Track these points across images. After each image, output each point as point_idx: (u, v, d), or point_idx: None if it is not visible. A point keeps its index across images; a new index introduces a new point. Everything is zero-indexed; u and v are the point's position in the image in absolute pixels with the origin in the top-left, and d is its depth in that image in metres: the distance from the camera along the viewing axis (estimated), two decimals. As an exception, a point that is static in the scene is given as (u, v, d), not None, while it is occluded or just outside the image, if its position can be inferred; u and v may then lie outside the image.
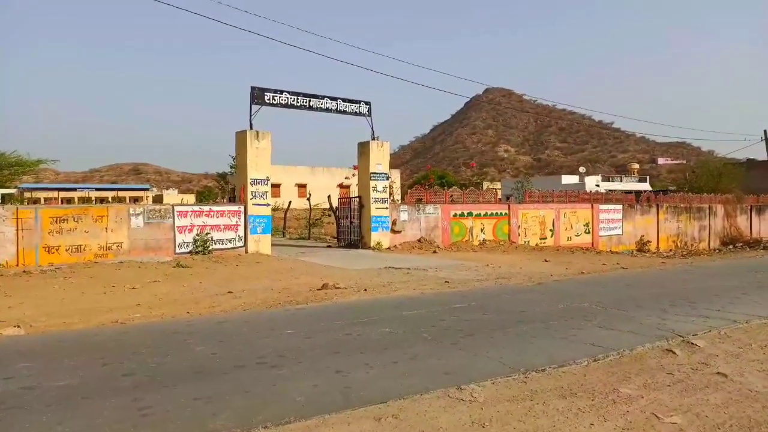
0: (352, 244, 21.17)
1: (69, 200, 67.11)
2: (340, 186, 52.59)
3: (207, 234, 16.76)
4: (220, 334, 6.77)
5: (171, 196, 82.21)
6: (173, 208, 16.61)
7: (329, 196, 25.35)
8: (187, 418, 4.01)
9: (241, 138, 17.84)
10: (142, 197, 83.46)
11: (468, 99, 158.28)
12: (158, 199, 74.65)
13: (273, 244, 22.82)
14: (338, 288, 10.43)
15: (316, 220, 33.85)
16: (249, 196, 17.57)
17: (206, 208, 17.19)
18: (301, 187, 54.89)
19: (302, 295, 9.81)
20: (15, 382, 4.87)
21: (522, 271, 14.77)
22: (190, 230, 16.60)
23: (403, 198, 25.87)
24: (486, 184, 57.37)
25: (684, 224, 34.37)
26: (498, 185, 65.37)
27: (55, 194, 77.27)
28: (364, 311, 8.17)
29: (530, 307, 8.55)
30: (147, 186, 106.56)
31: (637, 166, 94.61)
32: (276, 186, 56.41)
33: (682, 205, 34.29)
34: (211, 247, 16.77)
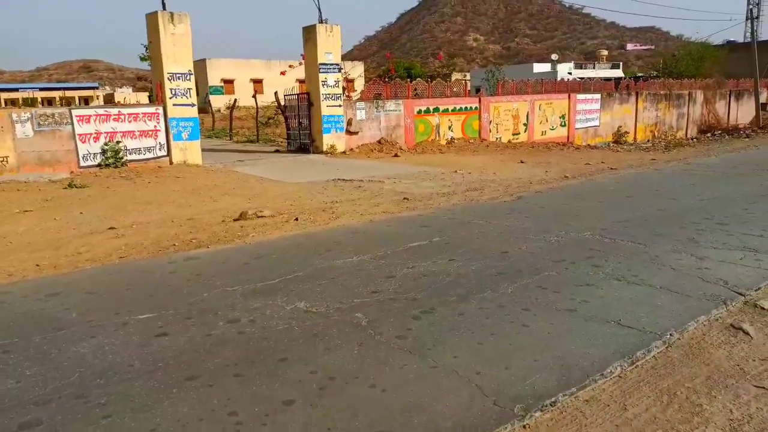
0: (302, 148, 18.39)
1: (13, 102, 61.54)
2: (299, 81, 48.30)
3: (118, 143, 13.78)
4: (37, 319, 4.29)
5: (124, 94, 76.38)
6: (70, 112, 13.44)
7: (275, 93, 22.07)
8: None
9: (152, 22, 14.33)
10: (92, 97, 77.41)
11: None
12: (109, 98, 69.11)
13: (213, 150, 19.94)
14: (261, 217, 7.93)
15: (269, 119, 30.60)
16: (168, 94, 14.40)
17: (114, 110, 14.04)
18: (257, 82, 50.60)
19: (209, 231, 7.30)
20: None
21: (496, 177, 12.43)
22: (96, 138, 13.57)
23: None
24: (455, 76, 53.67)
25: (662, 112, 32.34)
26: (468, 77, 61.73)
27: (-2, 95, 71.00)
28: (278, 261, 5.74)
29: (513, 243, 6.23)
30: (96, 84, 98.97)
31: (606, 52, 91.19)
32: (229, 82, 52.11)
33: (662, 93, 32.04)
34: (124, 158, 13.86)
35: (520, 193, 10.05)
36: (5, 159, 12.47)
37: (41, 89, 79.23)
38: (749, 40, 40.94)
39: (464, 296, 4.52)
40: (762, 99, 36.18)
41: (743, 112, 36.53)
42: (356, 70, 46.40)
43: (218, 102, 43.18)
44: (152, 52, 14.60)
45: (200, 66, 52.21)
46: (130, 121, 14.03)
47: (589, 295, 4.54)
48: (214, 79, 52.07)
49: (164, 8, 14.17)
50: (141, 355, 3.49)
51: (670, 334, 3.78)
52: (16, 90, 77.07)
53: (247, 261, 5.75)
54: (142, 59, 19.39)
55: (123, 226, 7.70)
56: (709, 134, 31.68)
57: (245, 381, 3.16)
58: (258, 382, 3.15)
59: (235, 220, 7.89)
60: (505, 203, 9.02)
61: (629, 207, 8.26)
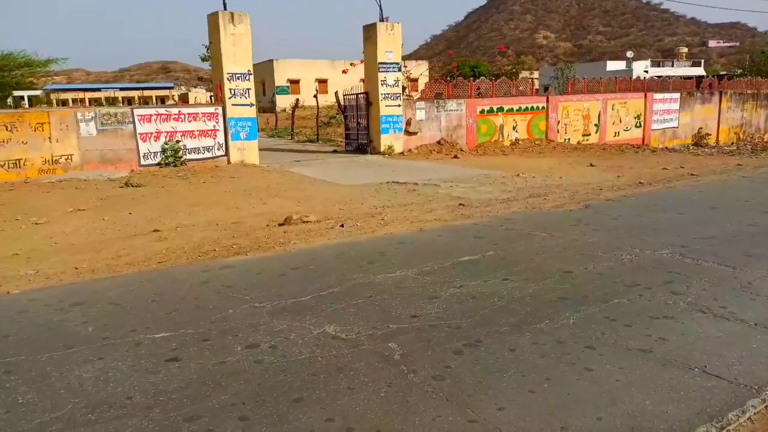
0: (360, 149, 18.05)
1: (97, 101, 65.10)
2: (363, 81, 48.18)
3: (177, 142, 13.88)
4: (52, 332, 4.05)
5: (197, 93, 79.23)
6: (132, 111, 13.64)
7: (336, 93, 21.88)
8: None
9: (213, 22, 14.36)
10: (167, 96, 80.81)
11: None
12: (183, 98, 71.83)
13: (273, 149, 19.98)
14: (306, 222, 7.56)
15: (331, 119, 30.58)
16: (227, 94, 14.39)
17: (174, 110, 14.16)
18: (322, 82, 51.00)
19: (251, 236, 6.99)
20: None
21: (562, 182, 11.59)
22: (157, 138, 13.72)
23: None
24: (523, 74, 52.03)
25: (749, 113, 29.97)
26: (536, 75, 59.80)
27: (81, 95, 75.37)
28: (315, 273, 5.31)
29: (578, 261, 5.54)
30: (171, 84, 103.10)
31: (686, 50, 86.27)
32: (295, 82, 52.77)
33: (748, 92, 29.66)
34: (183, 158, 13.96)
35: (588, 201, 9.23)
36: (70, 157, 12.78)
37: (121, 89, 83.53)
38: None
39: (517, 326, 3.92)
40: None
41: (841, 113, 33.35)
42: (420, 69, 45.84)
43: (285, 102, 43.72)
44: (213, 53, 14.64)
45: (267, 66, 53.29)
46: (189, 121, 14.11)
47: (667, 331, 3.84)
48: (280, 79, 52.96)
49: (225, 8, 14.16)
50: (144, 386, 3.13)
51: (772, 391, 3.05)
52: (98, 90, 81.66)
53: (284, 272, 5.36)
54: (203, 59, 19.62)
55: (168, 228, 7.53)
56: (802, 137, 29.14)
57: (249, 427, 2.72)
58: (264, 429, 2.70)
59: (279, 224, 7.56)
60: (571, 212, 8.26)
61: (714, 221, 7.32)
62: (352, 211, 8.66)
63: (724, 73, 46.18)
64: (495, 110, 19.35)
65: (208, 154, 14.41)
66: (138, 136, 13.47)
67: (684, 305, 4.30)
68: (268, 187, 11.01)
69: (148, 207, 8.93)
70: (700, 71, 57.80)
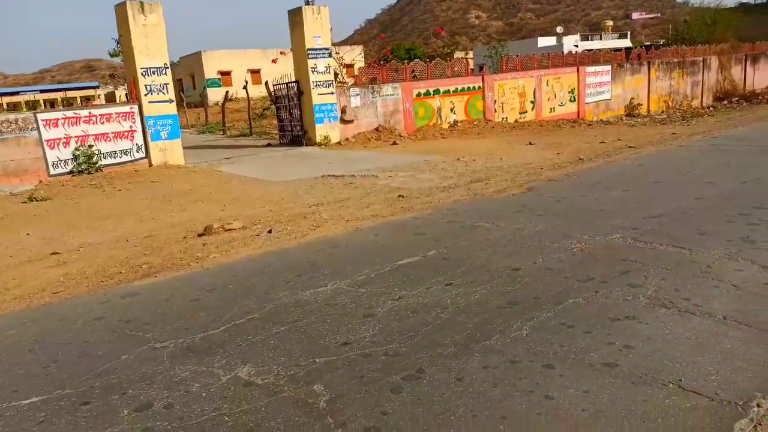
0: (295, 141, 17.21)
1: (15, 106, 60.85)
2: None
3: (90, 147, 12.68)
4: None
5: (126, 91, 75.16)
6: (36, 116, 12.32)
7: (266, 83, 20.87)
8: None
9: (121, 13, 13.13)
10: (93, 96, 76.37)
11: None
12: (110, 98, 68.09)
13: (202, 146, 18.90)
14: (229, 230, 6.80)
15: (264, 110, 29.41)
16: (142, 91, 13.25)
17: (84, 112, 12.91)
18: (255, 72, 49.37)
19: (165, 252, 6.19)
20: None
21: (503, 163, 11.22)
22: (66, 143, 12.48)
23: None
24: (457, 55, 51.87)
25: (676, 81, 30.81)
26: (471, 55, 59.84)
27: (-1, 99, 70.34)
28: (234, 295, 4.62)
29: (525, 254, 5.07)
30: (96, 83, 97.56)
31: (611, 23, 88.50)
32: (226, 74, 50.80)
33: (675, 60, 30.44)
34: (99, 163, 12.77)
35: (530, 182, 8.85)
36: (-35, 172, 11.44)
37: (41, 91, 78.46)
38: (765, 0, 39.02)
39: (464, 345, 3.37)
40: (781, 61, 34.42)
41: (760, 77, 34.82)
42: (353, 55, 44.96)
43: (217, 95, 41.99)
44: (123, 47, 13.42)
45: (196, 59, 51.12)
46: (102, 123, 12.91)
47: (631, 335, 3.38)
48: (210, 71, 50.90)
49: (132, -3, 12.97)
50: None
51: (758, 405, 2.63)
52: (17, 93, 76.42)
53: (197, 296, 4.63)
54: (112, 55, 18.20)
55: (70, 249, 6.61)
56: (725, 101, 30.18)
57: None
58: None
59: (199, 235, 6.78)
60: (514, 197, 7.84)
61: (660, 196, 7.04)
62: (283, 212, 7.94)
63: (648, 43, 47.50)
64: (432, 93, 18.87)
65: (126, 158, 13.27)
66: (44, 143, 12.20)
67: (645, 300, 3.86)
68: (191, 191, 10.12)
69: (50, 224, 7.92)
70: (627, 43, 59.25)
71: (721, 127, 15.83)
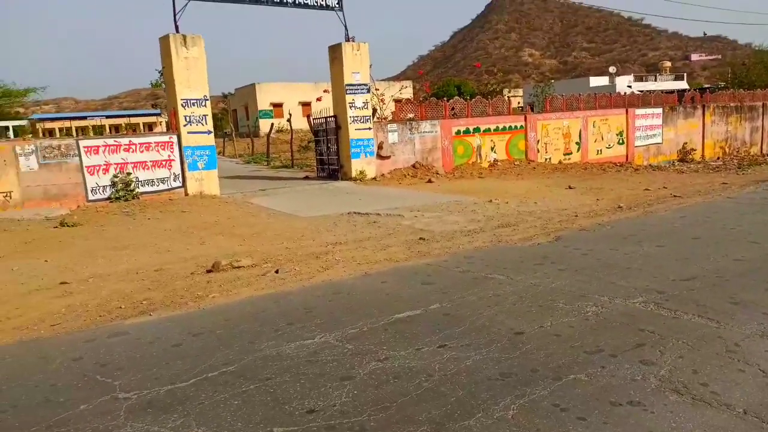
0: (331, 175, 17.25)
1: (83, 130, 64.08)
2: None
3: (129, 174, 13.00)
4: None
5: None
6: (78, 143, 12.75)
7: (308, 116, 21.14)
8: None
9: (164, 46, 13.59)
10: (155, 123, 79.76)
11: (488, 0, 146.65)
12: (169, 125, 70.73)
13: (243, 177, 19.21)
14: (238, 267, 6.67)
15: (310, 143, 29.83)
16: (182, 121, 13.58)
17: (124, 140, 13.29)
18: (306, 105, 50.46)
19: (169, 287, 6.10)
20: None
21: (536, 208, 10.79)
22: (106, 170, 12.84)
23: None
24: (508, 93, 51.57)
25: (733, 126, 29.55)
26: (520, 93, 59.49)
27: (68, 124, 74.23)
28: (217, 342, 4.42)
29: (534, 316, 4.68)
30: (158, 111, 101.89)
31: (669, 64, 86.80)
32: (278, 106, 52.14)
33: (732, 105, 29.25)
34: (136, 191, 13.07)
35: (560, 231, 8.41)
36: (8, 194, 11.87)
37: (107, 117, 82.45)
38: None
39: (439, 424, 3.03)
40: None
41: (825, 123, 33.05)
42: (402, 90, 45.35)
43: (268, 126, 43.11)
44: (165, 78, 13.84)
45: (250, 91, 52.77)
46: (141, 151, 13.25)
47: (631, 427, 2.96)
48: (263, 103, 52.38)
49: (177, 31, 13.40)
50: None
51: None
52: (84, 118, 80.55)
53: (180, 341, 4.45)
54: (155, 86, 18.84)
55: (79, 279, 6.61)
56: (787, 150, 28.73)
57: None
58: None
59: (207, 271, 6.67)
60: (538, 246, 7.42)
61: (696, 256, 6.49)
62: (298, 250, 7.78)
63: (707, 86, 46.06)
64: (471, 131, 18.65)
65: (163, 186, 13.53)
66: (84, 169, 12.59)
67: (656, 382, 3.43)
68: (215, 223, 10.13)
69: (71, 252, 8.01)
70: (683, 85, 57.69)
71: (779, 177, 14.86)
